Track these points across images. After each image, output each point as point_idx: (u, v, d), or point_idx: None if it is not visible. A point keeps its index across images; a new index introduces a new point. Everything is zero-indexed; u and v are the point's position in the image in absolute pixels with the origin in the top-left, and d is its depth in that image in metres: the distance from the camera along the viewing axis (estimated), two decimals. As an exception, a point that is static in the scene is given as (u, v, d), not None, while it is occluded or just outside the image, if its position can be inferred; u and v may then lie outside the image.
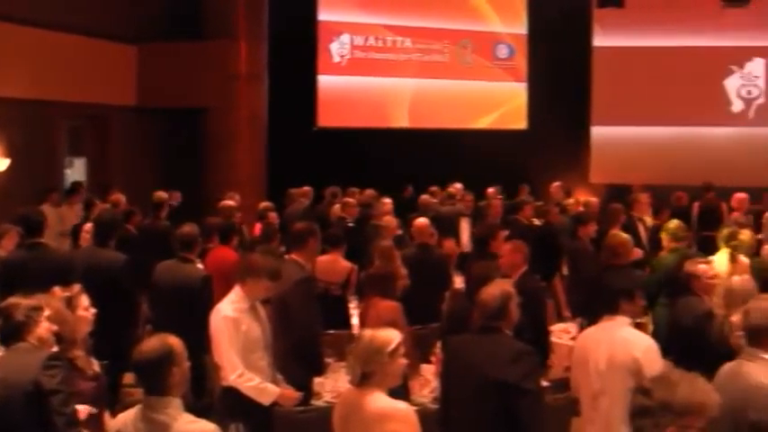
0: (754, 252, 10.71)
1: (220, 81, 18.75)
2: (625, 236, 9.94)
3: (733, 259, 9.81)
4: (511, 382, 5.44)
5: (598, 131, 21.37)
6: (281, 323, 7.36)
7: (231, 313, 6.66)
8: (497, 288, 5.81)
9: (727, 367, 5.00)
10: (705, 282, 7.46)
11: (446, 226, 13.43)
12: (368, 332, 5.19)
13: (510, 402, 5.43)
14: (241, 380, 6.61)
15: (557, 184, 17.00)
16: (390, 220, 12.10)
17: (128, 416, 4.63)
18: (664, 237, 10.46)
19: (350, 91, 20.35)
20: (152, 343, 4.56)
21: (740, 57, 20.89)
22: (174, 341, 4.56)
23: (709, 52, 20.60)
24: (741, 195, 15.06)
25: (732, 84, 21.02)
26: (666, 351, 7.15)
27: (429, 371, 7.96)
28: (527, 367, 5.52)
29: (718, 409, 3.70)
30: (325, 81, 20.22)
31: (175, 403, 4.49)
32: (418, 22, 20.79)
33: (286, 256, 8.46)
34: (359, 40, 20.50)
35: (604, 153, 21.27)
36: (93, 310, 6.06)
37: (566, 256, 11.92)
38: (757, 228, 12.80)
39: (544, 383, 7.57)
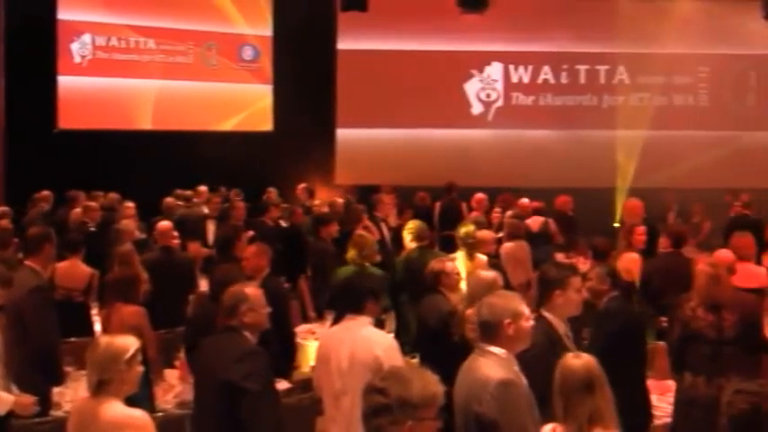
0: (494, 251, 11.15)
1: (-46, 80, 17.98)
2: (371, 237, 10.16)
3: (470, 257, 10.16)
4: (233, 381, 5.46)
5: (343, 133, 21.55)
6: (15, 332, 7.10)
7: (-41, 324, 6.40)
8: (234, 288, 5.86)
9: (465, 363, 5.13)
10: (452, 278, 7.69)
11: (191, 228, 13.33)
12: (104, 339, 5.08)
13: (233, 402, 5.45)
14: (-28, 392, 6.36)
15: (302, 185, 17.14)
16: (129, 224, 11.90)
17: None
18: (405, 236, 10.72)
19: (92, 92, 19.77)
20: None
21: (479, 61, 21.54)
22: None
23: (450, 56, 21.16)
24: (480, 196, 15.63)
25: (472, 87, 21.63)
26: (411, 348, 7.31)
27: (173, 375, 7.88)
28: (251, 367, 5.53)
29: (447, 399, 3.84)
30: (65, 82, 19.56)
31: None
32: (162, 22, 20.42)
33: (26, 262, 8.18)
34: (101, 41, 19.94)
35: (350, 155, 21.45)
36: None
37: (310, 257, 12.04)
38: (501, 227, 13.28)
39: (287, 385, 7.64)
